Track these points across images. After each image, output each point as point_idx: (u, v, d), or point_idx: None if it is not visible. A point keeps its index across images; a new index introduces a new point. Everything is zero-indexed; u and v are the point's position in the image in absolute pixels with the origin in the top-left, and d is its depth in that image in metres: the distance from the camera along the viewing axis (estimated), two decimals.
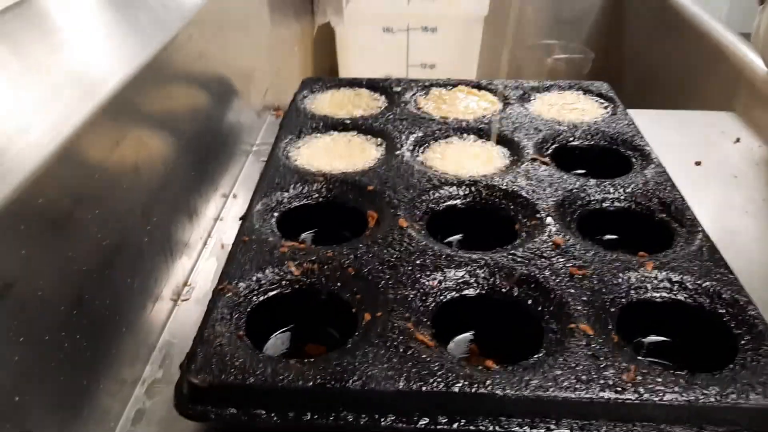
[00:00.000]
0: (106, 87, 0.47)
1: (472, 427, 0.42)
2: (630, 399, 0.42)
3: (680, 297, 0.51)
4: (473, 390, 0.42)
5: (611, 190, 0.64)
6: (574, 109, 0.80)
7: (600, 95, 0.83)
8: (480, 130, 0.74)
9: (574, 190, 0.63)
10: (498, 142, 0.72)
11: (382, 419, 0.42)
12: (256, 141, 0.84)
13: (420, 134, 0.73)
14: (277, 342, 0.52)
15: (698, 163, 0.80)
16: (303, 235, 0.63)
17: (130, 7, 0.58)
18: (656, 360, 0.50)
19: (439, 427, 0.42)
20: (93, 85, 0.46)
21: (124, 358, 0.48)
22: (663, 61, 1.23)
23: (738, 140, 0.85)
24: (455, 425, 0.42)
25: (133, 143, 0.50)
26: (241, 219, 0.60)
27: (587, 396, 0.42)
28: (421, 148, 0.72)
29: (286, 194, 0.63)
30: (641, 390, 0.42)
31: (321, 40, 1.28)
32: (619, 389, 0.42)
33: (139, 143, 0.51)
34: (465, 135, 0.74)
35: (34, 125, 0.39)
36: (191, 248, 0.62)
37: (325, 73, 1.35)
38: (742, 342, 0.47)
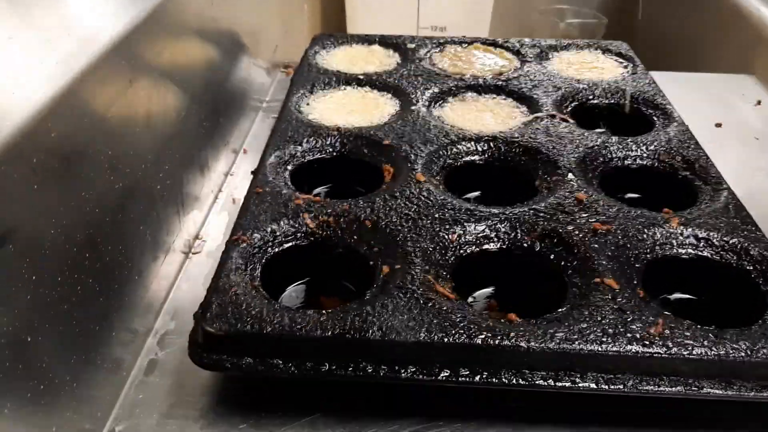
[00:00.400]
0: (112, 32, 0.45)
1: (494, 380, 0.41)
2: (658, 353, 0.41)
3: (707, 253, 0.50)
4: (496, 342, 0.41)
5: (633, 147, 0.62)
6: (593, 68, 0.78)
7: (619, 54, 0.81)
8: (498, 87, 0.72)
9: (596, 147, 0.61)
10: (517, 99, 0.71)
11: (402, 370, 0.41)
12: (266, 98, 0.82)
13: (436, 90, 0.71)
14: (291, 294, 0.51)
15: (718, 125, 0.78)
16: (317, 190, 0.61)
17: None
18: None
19: (460, 379, 0.41)
20: (98, 30, 0.44)
21: (136, 307, 0.46)
22: (678, 26, 1.20)
23: (759, 103, 0.83)
24: (477, 378, 0.41)
25: (145, 88, 0.48)
26: (252, 173, 0.58)
27: (614, 349, 0.41)
28: (438, 104, 0.70)
29: (299, 148, 0.61)
30: (669, 344, 0.41)
31: (329, 2, 1.26)
32: (647, 343, 0.41)
33: (151, 89, 0.50)
34: (482, 92, 0.72)
35: (44, 62, 0.37)
36: (202, 202, 0.60)
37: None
38: None
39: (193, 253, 0.56)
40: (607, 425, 0.42)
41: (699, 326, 0.42)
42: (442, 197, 0.54)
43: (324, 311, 0.43)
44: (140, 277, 0.46)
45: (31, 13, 0.39)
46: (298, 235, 0.51)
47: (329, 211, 0.52)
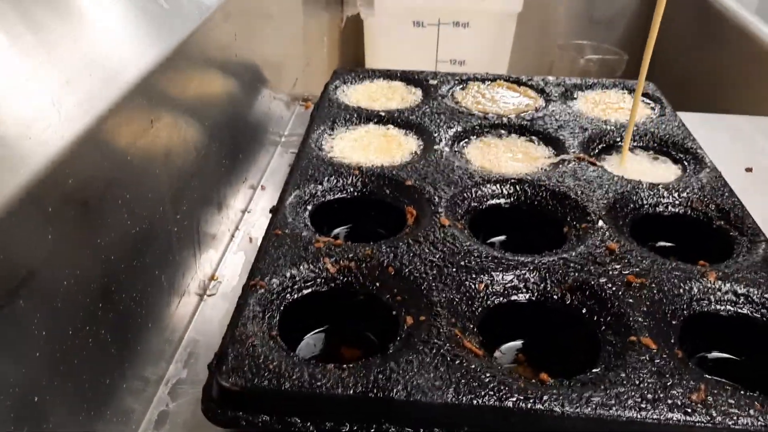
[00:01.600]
0: (135, 70, 0.43)
1: None
2: (701, 422, 0.38)
3: (746, 311, 0.47)
4: (529, 405, 0.38)
5: (665, 194, 0.60)
6: (619, 108, 0.76)
7: (646, 95, 0.79)
8: (522, 127, 0.71)
9: (626, 193, 0.59)
10: (542, 140, 0.69)
11: None
12: (285, 132, 0.81)
13: (459, 129, 0.70)
14: (309, 343, 0.48)
15: (749, 170, 0.76)
16: (336, 231, 0.59)
17: None
18: (721, 380, 0.46)
19: None
20: (121, 68, 0.42)
21: (149, 355, 0.45)
22: (701, 64, 1.19)
23: None
24: None
25: (166, 127, 0.47)
26: (271, 211, 0.57)
27: (654, 417, 0.38)
28: (461, 144, 0.69)
29: (320, 187, 0.60)
30: (713, 412, 0.38)
31: (348, 32, 1.25)
32: (689, 410, 0.38)
33: (171, 128, 0.48)
34: (507, 131, 0.70)
35: (61, 107, 0.36)
36: (219, 241, 0.59)
37: (352, 66, 1.32)
38: None
39: (208, 296, 0.54)
40: None
41: (743, 392, 0.40)
42: (467, 243, 0.52)
43: (345, 366, 0.41)
44: (154, 323, 0.44)
45: (56, 49, 0.37)
46: (319, 280, 0.49)
47: (351, 255, 0.50)
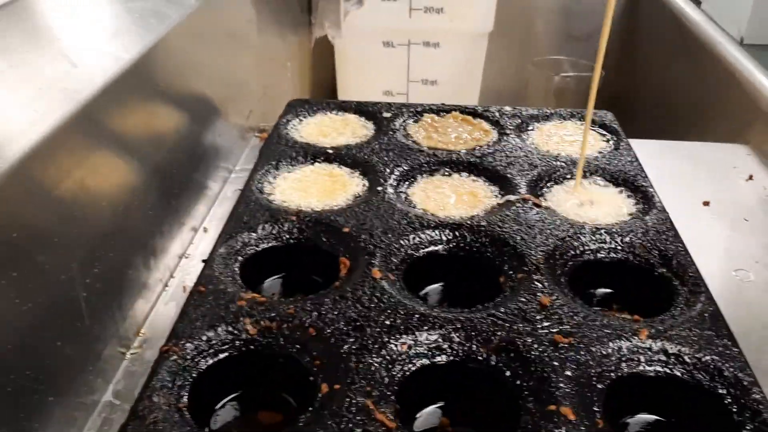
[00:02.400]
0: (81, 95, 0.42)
1: None
2: None
3: (677, 372, 0.46)
4: None
5: (607, 239, 0.58)
6: (574, 141, 0.75)
7: (603, 126, 0.78)
8: (471, 164, 0.69)
9: (567, 239, 0.58)
10: (489, 178, 0.67)
11: None
12: (236, 167, 0.79)
13: (406, 168, 0.68)
14: (229, 408, 0.47)
15: (706, 203, 0.74)
16: (268, 282, 0.58)
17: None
18: None
19: None
20: (66, 96, 0.41)
21: (55, 425, 0.43)
22: (676, 85, 1.17)
23: (750, 177, 0.79)
24: None
25: (89, 173, 0.45)
26: (204, 262, 0.56)
27: None
28: (407, 184, 0.67)
29: (254, 235, 0.58)
30: None
31: (320, 55, 1.24)
32: None
33: (97, 172, 0.47)
34: (455, 169, 0.69)
35: None
36: (149, 290, 0.57)
37: (324, 88, 1.31)
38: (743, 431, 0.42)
39: (131, 354, 0.53)
40: None
41: None
42: (396, 299, 0.50)
43: None
44: (57, 395, 0.43)
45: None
46: (237, 343, 0.47)
47: (273, 315, 0.49)
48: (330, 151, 0.71)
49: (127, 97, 0.54)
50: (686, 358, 0.46)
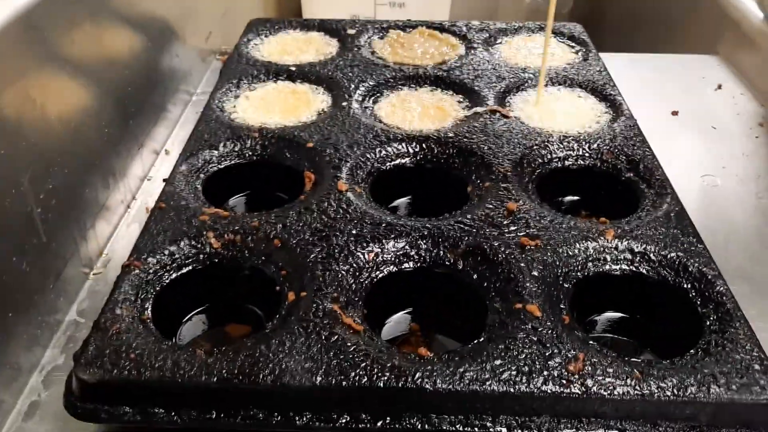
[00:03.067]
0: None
1: (397, 426, 0.37)
2: (575, 393, 0.37)
3: (642, 270, 0.46)
4: (399, 384, 0.37)
5: (575, 146, 0.58)
6: (542, 53, 0.73)
7: (572, 38, 0.76)
8: (438, 78, 0.68)
9: (535, 147, 0.57)
10: (457, 92, 0.66)
11: (297, 418, 0.37)
12: (197, 90, 0.77)
13: (371, 83, 0.67)
14: (197, 322, 0.47)
15: (675, 113, 0.74)
16: (232, 200, 0.57)
17: None
18: (616, 337, 0.45)
19: (360, 426, 0.37)
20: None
21: (18, 342, 0.42)
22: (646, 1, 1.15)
23: (719, 87, 0.79)
24: (379, 423, 0.37)
25: (37, 84, 0.43)
26: (164, 181, 0.54)
27: (526, 390, 0.37)
28: (372, 99, 0.66)
29: (215, 152, 0.57)
30: (588, 383, 0.37)
31: None
32: (564, 382, 0.37)
33: (45, 85, 0.45)
34: (422, 83, 0.67)
35: None
36: (111, 212, 0.56)
37: (289, 11, 1.26)
38: (707, 323, 0.42)
39: (94, 274, 0.52)
40: None
41: (624, 360, 0.39)
42: (362, 209, 0.50)
43: (215, 350, 0.39)
44: (19, 310, 0.42)
45: None
46: (200, 256, 0.46)
47: (236, 228, 0.48)
48: (293, 69, 0.69)
49: (73, 10, 0.51)
50: (652, 256, 0.46)
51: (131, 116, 0.60)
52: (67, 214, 0.48)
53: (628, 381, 0.37)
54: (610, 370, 0.38)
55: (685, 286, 0.45)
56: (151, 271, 0.45)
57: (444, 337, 0.46)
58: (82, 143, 0.51)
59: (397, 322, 0.47)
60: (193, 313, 0.47)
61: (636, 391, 0.37)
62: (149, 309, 0.42)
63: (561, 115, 0.62)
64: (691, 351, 0.40)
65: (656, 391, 0.37)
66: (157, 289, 0.44)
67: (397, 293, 0.47)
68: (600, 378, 0.38)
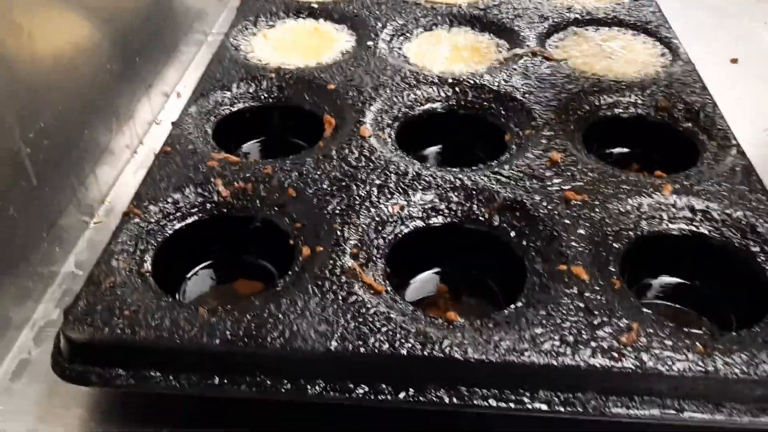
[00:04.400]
0: None
1: (422, 399, 0.33)
2: (629, 368, 0.32)
3: (703, 230, 0.41)
4: (425, 352, 0.33)
5: (627, 92, 0.52)
6: None
7: None
8: (474, 18, 0.62)
9: (581, 93, 0.51)
10: (495, 33, 0.60)
11: (309, 386, 0.33)
12: (213, 30, 0.72)
13: (400, 22, 0.61)
14: (201, 276, 0.42)
15: (734, 61, 0.67)
16: (245, 146, 0.52)
17: None
18: (671, 304, 0.40)
19: (380, 397, 0.33)
20: None
21: (4, 294, 0.39)
22: None
23: None
24: (401, 395, 0.33)
25: (25, 13, 0.39)
26: (173, 124, 0.49)
27: (572, 363, 0.32)
28: (400, 39, 0.60)
29: (228, 94, 0.52)
30: (644, 357, 0.32)
31: None
32: (615, 355, 0.32)
33: (33, 11, 0.40)
34: (455, 23, 0.62)
35: None
36: (115, 156, 0.52)
37: None
38: None
39: (95, 223, 0.48)
40: None
41: (685, 332, 0.34)
42: (387, 157, 0.45)
43: (219, 309, 0.35)
44: (9, 263, 0.38)
45: None
46: (207, 205, 0.42)
47: (247, 175, 0.43)
48: (315, 6, 0.63)
49: None
50: (715, 214, 0.41)
51: (137, 53, 0.55)
52: (62, 157, 0.44)
53: (690, 356, 0.32)
54: (669, 343, 0.33)
55: (753, 249, 0.39)
56: (152, 220, 0.40)
57: (476, 300, 0.41)
58: (79, 79, 0.46)
59: (423, 283, 0.42)
60: (198, 268, 0.42)
61: (699, 367, 0.32)
62: (149, 262, 0.38)
63: (610, 59, 0.56)
64: (762, 322, 0.35)
65: (722, 367, 0.32)
66: (159, 240, 0.40)
67: (423, 251, 0.42)
68: (657, 351, 0.33)
